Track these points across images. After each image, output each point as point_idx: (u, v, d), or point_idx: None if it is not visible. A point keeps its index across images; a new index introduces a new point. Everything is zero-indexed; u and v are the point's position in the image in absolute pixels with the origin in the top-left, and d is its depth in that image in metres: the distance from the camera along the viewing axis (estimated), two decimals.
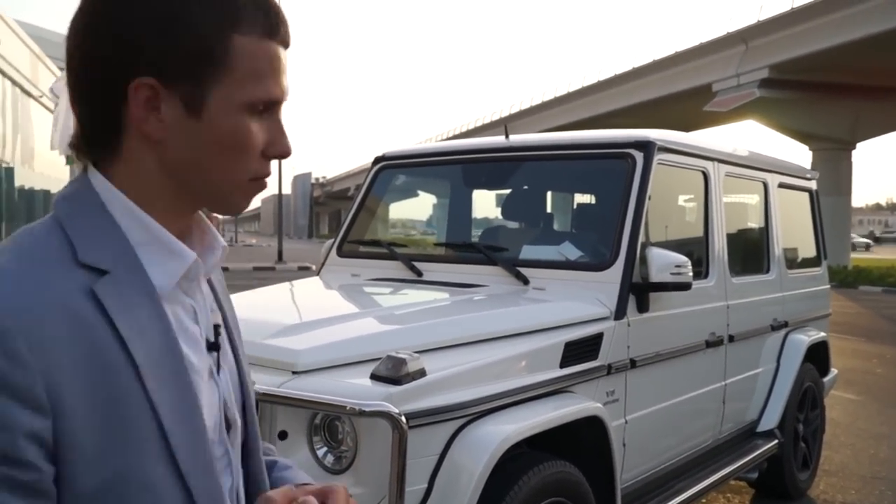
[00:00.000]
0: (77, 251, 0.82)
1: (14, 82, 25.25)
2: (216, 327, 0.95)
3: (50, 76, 30.31)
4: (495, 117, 48.85)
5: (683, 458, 3.70)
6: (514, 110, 45.45)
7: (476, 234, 4.33)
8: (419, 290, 3.36)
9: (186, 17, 0.83)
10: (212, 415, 0.90)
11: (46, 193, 31.66)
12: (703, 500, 4.54)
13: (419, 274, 3.58)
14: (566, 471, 2.59)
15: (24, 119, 26.91)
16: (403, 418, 2.06)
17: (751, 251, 4.63)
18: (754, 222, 4.78)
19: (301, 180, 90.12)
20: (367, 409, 2.04)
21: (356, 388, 2.17)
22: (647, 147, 3.30)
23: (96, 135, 0.88)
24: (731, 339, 3.95)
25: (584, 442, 2.80)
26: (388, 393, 2.13)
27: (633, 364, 3.08)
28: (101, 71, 0.85)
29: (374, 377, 2.20)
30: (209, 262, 0.96)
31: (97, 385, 0.77)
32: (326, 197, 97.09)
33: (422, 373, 2.23)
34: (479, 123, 52.18)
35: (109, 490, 0.77)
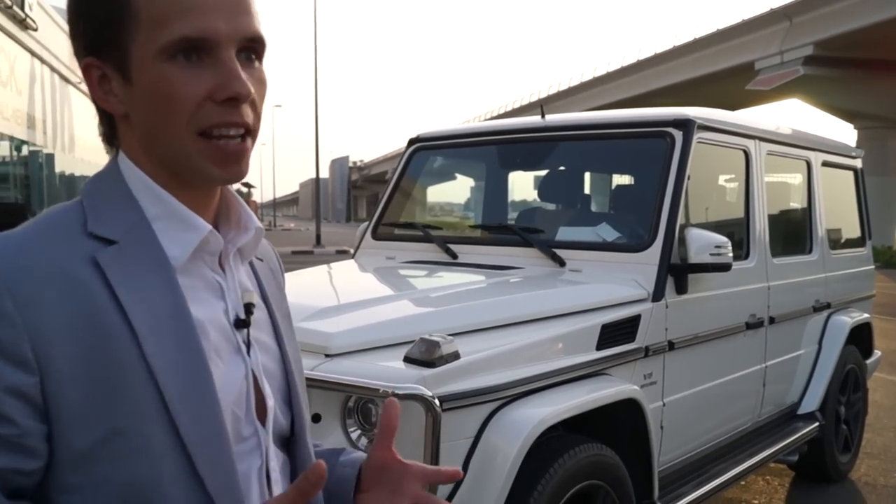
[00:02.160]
0: (88, 222, 0.85)
1: (53, 69, 25.66)
2: (248, 306, 0.94)
3: None
4: (533, 98, 48.46)
5: (722, 441, 3.65)
6: (553, 91, 45.05)
7: (513, 216, 4.30)
8: (454, 272, 3.34)
9: None
10: (232, 389, 0.89)
11: (87, 178, 32.21)
12: (743, 483, 4.48)
13: (454, 256, 3.56)
14: (602, 454, 2.56)
15: (63, 106, 27.39)
16: (437, 401, 2.05)
17: (793, 231, 4.53)
18: (797, 202, 4.67)
19: (339, 164, 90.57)
20: (399, 392, 2.03)
21: (389, 371, 2.16)
22: (686, 125, 3.23)
23: (103, 123, 0.92)
24: (771, 320, 3.87)
25: (621, 425, 2.77)
26: (421, 376, 2.12)
27: (671, 346, 3.03)
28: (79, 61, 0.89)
29: (407, 360, 2.19)
30: (240, 241, 0.96)
31: (91, 348, 0.78)
32: (364, 180, 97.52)
33: (455, 355, 2.21)
34: (516, 105, 51.80)
35: (104, 449, 0.78)
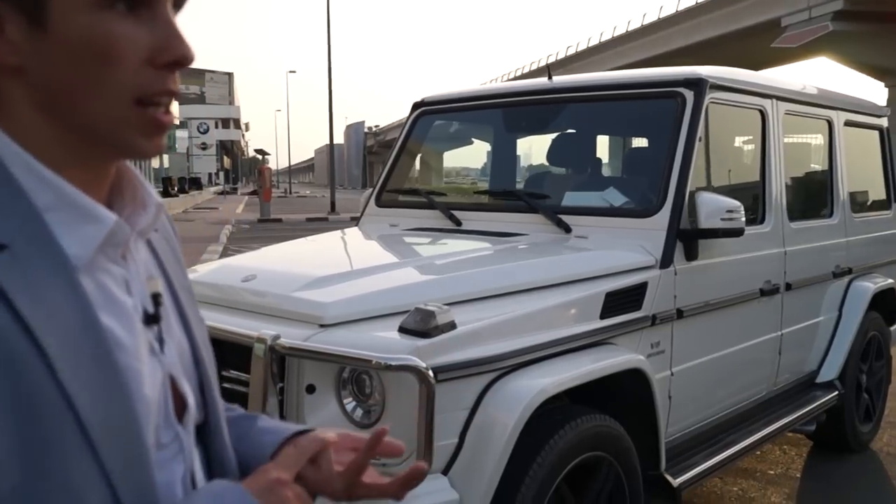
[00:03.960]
0: None
1: None
2: (155, 297, 0.82)
3: None
4: (551, 60, 47.81)
5: (735, 411, 3.57)
6: (571, 52, 44.43)
7: (522, 181, 4.20)
8: (456, 239, 3.26)
9: None
10: (153, 397, 0.77)
11: None
12: (758, 453, 4.41)
13: (458, 223, 3.48)
14: (605, 424, 2.49)
15: None
16: (430, 372, 1.99)
17: (812, 194, 4.39)
18: (817, 163, 4.52)
19: (354, 130, 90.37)
20: (392, 363, 1.98)
21: (383, 342, 2.10)
22: (697, 85, 3.10)
23: None
24: (788, 287, 3.76)
25: (627, 396, 2.70)
26: (415, 346, 2.06)
27: (679, 314, 2.94)
28: None
29: (402, 330, 2.13)
30: (140, 223, 0.81)
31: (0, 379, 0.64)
32: (380, 146, 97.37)
33: (451, 325, 2.15)
34: (533, 67, 51.17)
35: (23, 492, 0.65)
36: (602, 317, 2.62)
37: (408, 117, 4.05)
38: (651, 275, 2.83)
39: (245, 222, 23.31)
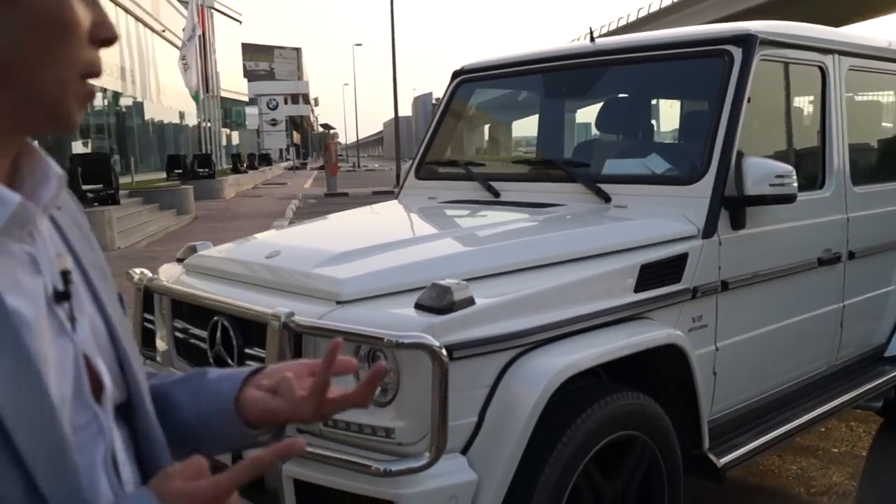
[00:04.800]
0: None
1: (137, 18, 26.34)
2: (64, 274, 0.79)
3: (170, 9, 31.37)
4: (622, 23, 46.60)
5: (790, 387, 3.39)
6: (642, 14, 43.16)
7: (570, 149, 4.06)
8: (491, 211, 3.17)
9: None
10: (66, 378, 0.75)
11: (176, 126, 33.26)
12: (822, 430, 4.21)
13: (496, 194, 3.38)
14: (640, 402, 2.38)
15: (148, 54, 28.12)
16: (444, 350, 1.92)
17: (881, 157, 4.11)
18: (888, 122, 4.23)
19: (422, 101, 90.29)
20: (404, 341, 1.91)
21: (397, 319, 2.04)
22: (746, 41, 2.90)
23: None
24: (851, 255, 3.53)
25: (666, 373, 2.58)
26: (429, 323, 1.99)
27: (724, 286, 2.78)
28: None
29: (418, 307, 2.06)
30: (43, 198, 0.78)
31: None
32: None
33: (469, 301, 2.07)
34: (604, 30, 49.91)
35: None
36: (637, 290, 2.49)
37: (448, 86, 3.95)
38: (692, 245, 2.68)
39: (312, 197, 23.61)
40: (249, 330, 2.31)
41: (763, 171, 2.72)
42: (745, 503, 3.55)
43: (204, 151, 27.83)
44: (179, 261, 2.92)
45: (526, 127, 4.51)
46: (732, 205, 2.77)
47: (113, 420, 0.83)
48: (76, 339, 0.78)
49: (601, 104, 3.70)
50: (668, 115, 3.59)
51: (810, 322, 3.35)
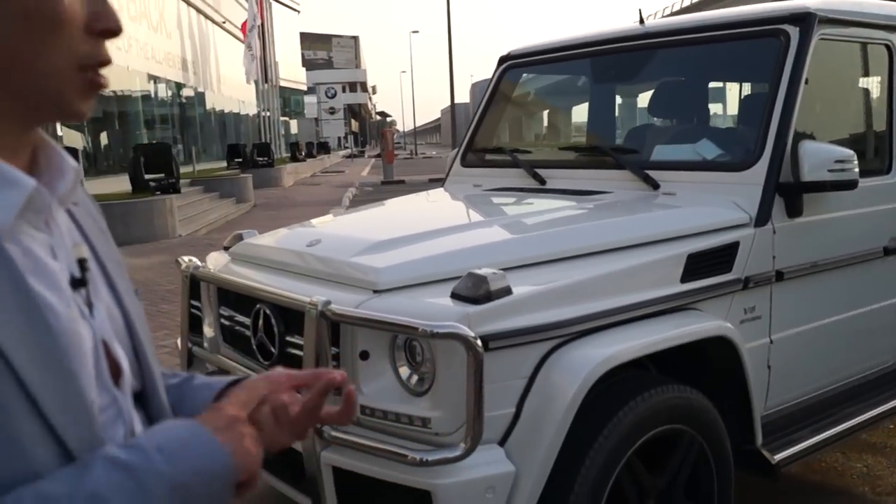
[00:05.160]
0: None
1: (199, 10, 26.86)
2: (81, 262, 0.82)
3: (231, 1, 31.86)
4: (684, 4, 45.44)
5: (854, 382, 3.24)
6: None
7: (621, 135, 3.96)
8: (535, 199, 3.11)
9: None
10: (86, 359, 0.78)
11: (236, 115, 33.85)
12: (892, 426, 4.03)
13: (542, 182, 3.32)
14: (686, 396, 2.31)
15: (209, 45, 28.68)
16: (479, 340, 1.88)
17: None
18: None
19: (479, 88, 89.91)
20: (438, 331, 1.88)
21: (432, 308, 2.01)
22: (804, 20, 2.77)
23: None
24: None
25: (716, 365, 2.50)
26: (465, 313, 1.95)
27: (779, 277, 2.67)
28: None
29: (454, 296, 2.03)
30: (58, 189, 0.81)
31: None
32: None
33: (506, 291, 2.03)
34: (675, 7, 48.55)
35: None
36: (683, 280, 2.41)
37: (494, 72, 3.90)
38: (744, 234, 2.58)
39: (369, 184, 23.78)
40: (290, 318, 2.32)
41: (821, 156, 2.60)
42: (805, 502, 3.42)
43: (263, 140, 28.26)
44: (226, 249, 2.95)
45: (574, 113, 4.42)
46: (788, 192, 2.66)
47: (132, 405, 0.86)
48: (94, 324, 0.81)
49: (653, 88, 3.59)
50: (722, 98, 3.46)
51: (875, 314, 3.20)
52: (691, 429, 2.34)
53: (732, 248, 2.54)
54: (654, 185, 2.92)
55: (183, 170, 15.39)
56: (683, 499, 2.39)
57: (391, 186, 23.38)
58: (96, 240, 0.90)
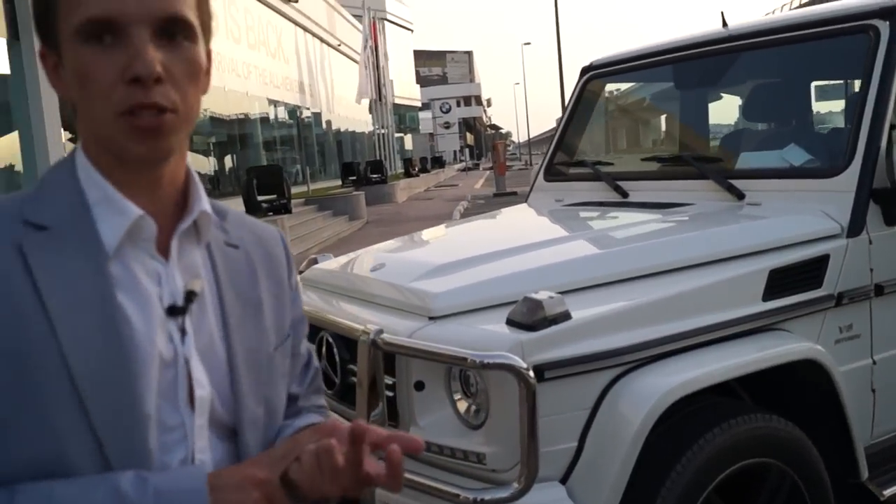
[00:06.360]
0: (24, 209, 0.89)
1: (314, 35, 27.87)
2: (188, 294, 0.93)
3: (345, 24, 32.93)
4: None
5: None
6: None
7: (707, 143, 3.76)
8: (613, 214, 2.99)
9: None
10: (151, 374, 0.88)
11: (352, 134, 34.83)
12: None
13: (625, 195, 3.19)
14: (774, 426, 2.13)
15: (325, 68, 29.70)
16: (531, 370, 1.81)
17: None
18: None
19: None
20: (488, 361, 1.82)
21: (484, 336, 1.95)
22: (894, 13, 2.53)
23: (69, 109, 0.95)
24: None
25: (813, 391, 2.30)
26: (518, 341, 1.88)
27: (879, 291, 2.44)
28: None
29: (509, 322, 1.96)
30: (178, 227, 0.94)
31: (2, 328, 0.82)
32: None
33: (564, 316, 1.93)
34: (794, 4, 46.00)
35: (11, 422, 0.82)
36: (765, 298, 2.23)
37: (576, 83, 3.79)
38: (835, 245, 2.37)
39: (481, 197, 23.83)
40: (350, 346, 2.31)
41: None
42: None
43: (378, 157, 28.94)
44: (300, 273, 3.00)
45: (659, 122, 4.24)
46: (885, 198, 2.42)
47: (207, 432, 0.94)
48: (180, 349, 0.91)
49: (738, 93, 3.39)
50: (811, 101, 3.21)
51: None
52: (781, 462, 2.15)
53: (822, 261, 2.34)
54: (739, 196, 2.74)
55: (297, 189, 15.95)
56: None
57: (503, 198, 23.32)
58: (230, 281, 0.99)
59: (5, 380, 0.81)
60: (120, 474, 0.83)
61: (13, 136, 9.75)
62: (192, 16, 0.89)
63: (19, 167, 9.84)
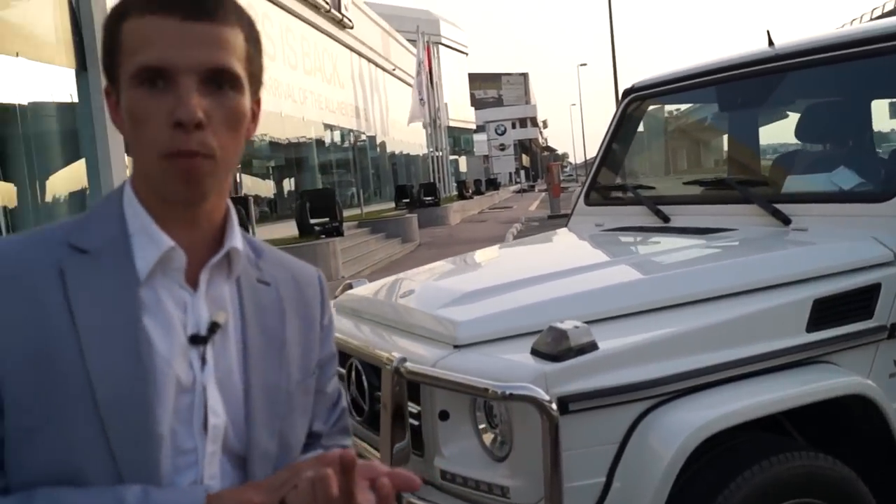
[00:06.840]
0: (70, 234, 0.95)
1: (369, 60, 28.28)
2: (212, 325, 0.97)
3: (399, 48, 33.35)
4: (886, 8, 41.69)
5: None
6: None
7: (767, 164, 3.64)
8: (652, 239, 2.90)
9: (104, 26, 0.96)
10: (168, 396, 0.92)
11: (407, 157, 35.13)
12: None
13: (666, 219, 3.10)
14: (818, 464, 2.01)
15: (380, 92, 30.08)
16: (554, 403, 1.74)
17: None
18: None
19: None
20: (510, 393, 1.76)
21: (507, 366, 1.89)
22: None
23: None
24: None
25: (866, 427, 2.17)
26: (540, 371, 1.82)
27: None
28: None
29: (534, 352, 1.90)
30: (212, 260, 0.99)
31: (34, 343, 0.87)
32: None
33: (591, 346, 1.87)
34: (875, 13, 44.67)
35: (32, 434, 0.87)
36: (809, 329, 2.12)
37: (618, 106, 3.72)
38: (886, 273, 2.24)
39: (535, 219, 23.70)
40: (378, 373, 2.28)
41: None
42: None
43: (432, 180, 29.09)
44: (334, 298, 2.98)
45: (704, 145, 4.12)
46: None
47: (219, 459, 0.97)
48: (198, 377, 0.96)
49: (785, 114, 3.27)
50: (863, 121, 3.07)
51: None
52: (825, 502, 2.03)
53: (872, 290, 2.22)
54: (785, 220, 2.63)
55: (351, 212, 16.09)
56: None
57: (557, 221, 23.15)
58: (256, 316, 1.03)
59: (37, 391, 0.87)
60: (127, 487, 0.88)
61: (80, 163, 10.11)
62: (238, 68, 0.95)
63: (87, 192, 10.18)
